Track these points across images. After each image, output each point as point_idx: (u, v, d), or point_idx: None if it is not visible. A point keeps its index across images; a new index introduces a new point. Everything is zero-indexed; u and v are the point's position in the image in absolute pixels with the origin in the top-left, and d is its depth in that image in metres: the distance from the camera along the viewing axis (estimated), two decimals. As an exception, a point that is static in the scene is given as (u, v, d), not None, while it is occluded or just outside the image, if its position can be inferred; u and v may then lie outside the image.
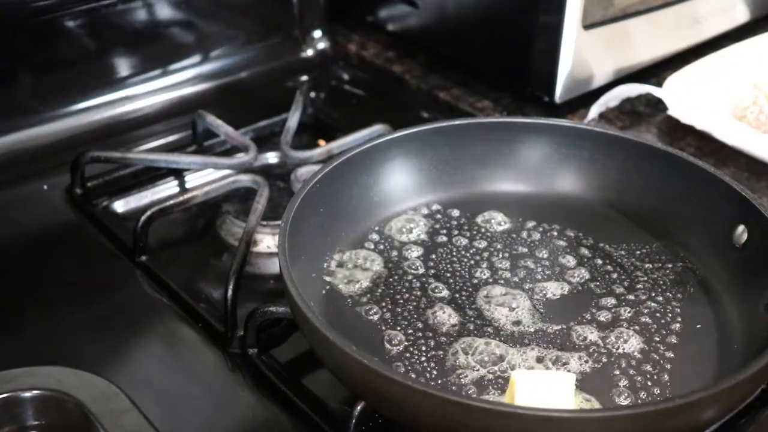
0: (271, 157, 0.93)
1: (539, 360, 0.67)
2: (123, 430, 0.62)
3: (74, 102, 0.98)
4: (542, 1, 0.97)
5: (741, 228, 0.73)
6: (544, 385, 0.61)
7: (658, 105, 1.03)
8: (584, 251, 0.78)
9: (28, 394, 0.64)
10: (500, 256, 0.78)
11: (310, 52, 1.14)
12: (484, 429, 0.56)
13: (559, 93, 1.00)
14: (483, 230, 0.80)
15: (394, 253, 0.77)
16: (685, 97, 0.99)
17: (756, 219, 0.72)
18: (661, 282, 0.75)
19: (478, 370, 0.66)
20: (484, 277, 0.75)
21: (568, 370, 0.66)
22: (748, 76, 1.02)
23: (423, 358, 0.68)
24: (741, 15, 1.15)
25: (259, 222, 0.82)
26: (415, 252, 0.78)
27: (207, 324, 0.75)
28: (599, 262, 0.77)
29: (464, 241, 0.79)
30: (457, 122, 0.83)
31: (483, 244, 0.79)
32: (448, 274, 0.76)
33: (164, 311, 0.77)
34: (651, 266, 0.77)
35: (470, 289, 0.74)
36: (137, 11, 1.00)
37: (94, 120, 0.99)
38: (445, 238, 0.79)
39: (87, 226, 0.86)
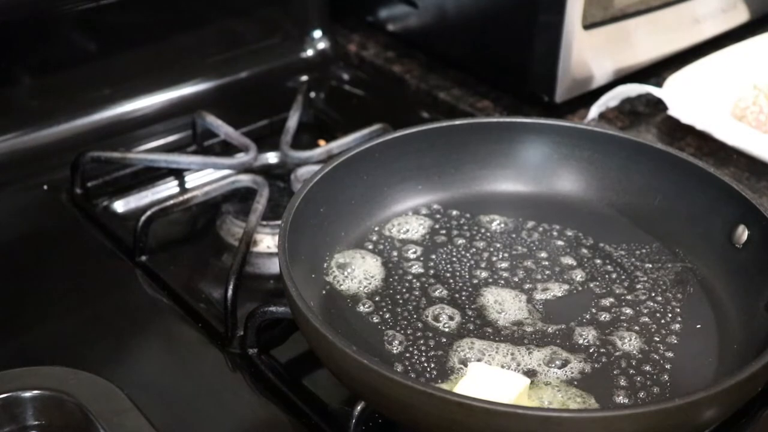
0: (271, 157, 0.93)
1: (539, 360, 0.67)
2: (123, 430, 0.62)
3: (74, 102, 0.98)
4: (542, 1, 0.97)
5: (741, 228, 0.73)
6: (491, 381, 0.62)
7: (658, 105, 1.03)
8: (584, 251, 0.78)
9: (28, 394, 0.64)
10: (500, 256, 0.78)
11: (310, 52, 1.14)
12: (484, 429, 0.56)
13: (559, 93, 1.00)
14: (483, 230, 0.80)
15: (394, 253, 0.77)
16: (685, 97, 0.99)
17: (756, 219, 0.72)
18: (661, 282, 0.75)
19: (478, 370, 0.66)
20: (484, 277, 0.75)
21: (568, 370, 0.67)
22: (749, 76, 1.02)
23: (423, 358, 0.68)
24: (741, 15, 1.15)
25: (259, 222, 0.82)
26: (415, 252, 0.78)
27: (207, 324, 0.75)
28: (599, 262, 0.77)
29: (464, 241, 0.79)
30: (457, 122, 0.83)
31: (483, 244, 0.79)
32: (448, 274, 0.76)
33: (164, 311, 0.77)
34: (651, 266, 0.77)
35: (470, 289, 0.74)
36: (137, 11, 1.00)
37: (94, 120, 0.99)
38: (444, 238, 0.79)
39: (87, 226, 0.86)
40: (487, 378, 0.62)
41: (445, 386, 0.64)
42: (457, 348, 0.68)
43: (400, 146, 0.81)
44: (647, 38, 1.05)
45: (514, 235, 0.80)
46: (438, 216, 0.82)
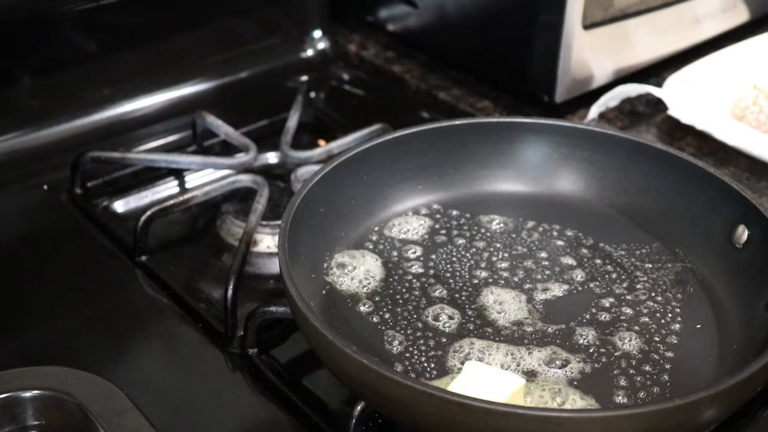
0: (271, 157, 0.93)
1: (539, 360, 0.67)
2: (123, 430, 0.62)
3: (74, 102, 0.98)
4: (542, 1, 0.97)
5: (741, 228, 0.73)
6: (486, 381, 0.62)
7: (658, 105, 1.03)
8: (584, 251, 0.78)
9: (28, 394, 0.64)
10: (500, 256, 0.78)
11: (310, 52, 1.14)
12: (484, 429, 0.56)
13: (559, 93, 1.00)
14: (483, 230, 0.80)
15: (394, 253, 0.77)
16: (685, 97, 0.99)
17: (756, 219, 0.72)
18: (661, 282, 0.75)
19: (478, 370, 0.66)
20: (484, 277, 0.75)
21: (568, 370, 0.67)
22: (748, 76, 1.02)
23: (423, 358, 0.68)
24: (741, 15, 1.15)
25: (259, 222, 0.82)
26: (414, 252, 0.78)
27: (207, 324, 0.75)
28: (599, 262, 0.77)
29: (464, 241, 0.79)
30: (457, 122, 0.83)
31: (483, 244, 0.79)
32: (448, 274, 0.76)
33: (164, 311, 0.77)
34: (651, 266, 0.77)
35: (470, 289, 0.74)
36: (137, 11, 1.00)
37: (94, 120, 0.99)
38: (444, 238, 0.79)
39: (87, 226, 0.86)
40: (482, 377, 0.62)
41: (440, 384, 0.64)
42: (457, 348, 0.68)
43: (400, 146, 0.81)
44: (647, 38, 1.05)
45: (514, 235, 0.80)
46: (438, 216, 0.82)
